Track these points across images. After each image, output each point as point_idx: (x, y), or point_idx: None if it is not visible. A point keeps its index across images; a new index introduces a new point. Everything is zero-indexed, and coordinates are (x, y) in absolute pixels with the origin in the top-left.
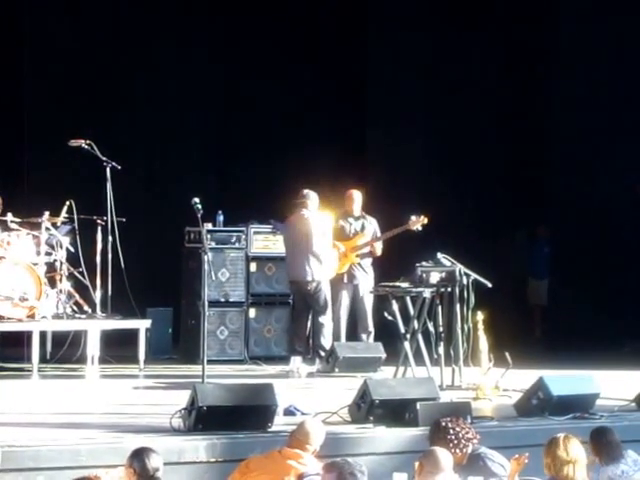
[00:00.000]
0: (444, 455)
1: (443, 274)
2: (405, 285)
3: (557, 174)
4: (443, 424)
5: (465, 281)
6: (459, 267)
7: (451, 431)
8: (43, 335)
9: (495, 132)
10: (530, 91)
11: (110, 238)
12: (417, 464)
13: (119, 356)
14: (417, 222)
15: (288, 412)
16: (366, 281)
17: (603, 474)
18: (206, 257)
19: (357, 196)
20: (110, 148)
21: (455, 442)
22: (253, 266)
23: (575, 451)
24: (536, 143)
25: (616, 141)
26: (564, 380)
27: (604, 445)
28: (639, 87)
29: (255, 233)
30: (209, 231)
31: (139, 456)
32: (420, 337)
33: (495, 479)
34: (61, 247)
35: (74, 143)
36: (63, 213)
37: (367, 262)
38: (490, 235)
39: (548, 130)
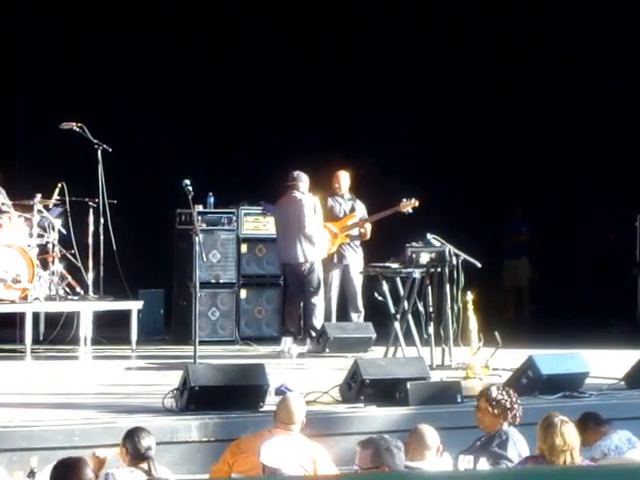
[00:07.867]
0: (430, 432)
1: (433, 254)
2: (395, 266)
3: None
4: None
5: (455, 261)
6: (449, 247)
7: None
8: (36, 317)
9: (486, 113)
10: (519, 77)
11: (102, 220)
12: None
13: (111, 337)
14: (408, 205)
15: (279, 392)
16: (356, 261)
17: (597, 449)
18: (197, 239)
19: (343, 176)
20: (101, 130)
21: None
22: (244, 247)
23: (572, 438)
24: (524, 127)
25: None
26: (553, 359)
27: (592, 429)
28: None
29: (246, 215)
30: (200, 213)
31: (131, 436)
32: (410, 317)
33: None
34: (53, 229)
35: (66, 126)
36: (55, 195)
37: (356, 242)
38: (479, 217)
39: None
